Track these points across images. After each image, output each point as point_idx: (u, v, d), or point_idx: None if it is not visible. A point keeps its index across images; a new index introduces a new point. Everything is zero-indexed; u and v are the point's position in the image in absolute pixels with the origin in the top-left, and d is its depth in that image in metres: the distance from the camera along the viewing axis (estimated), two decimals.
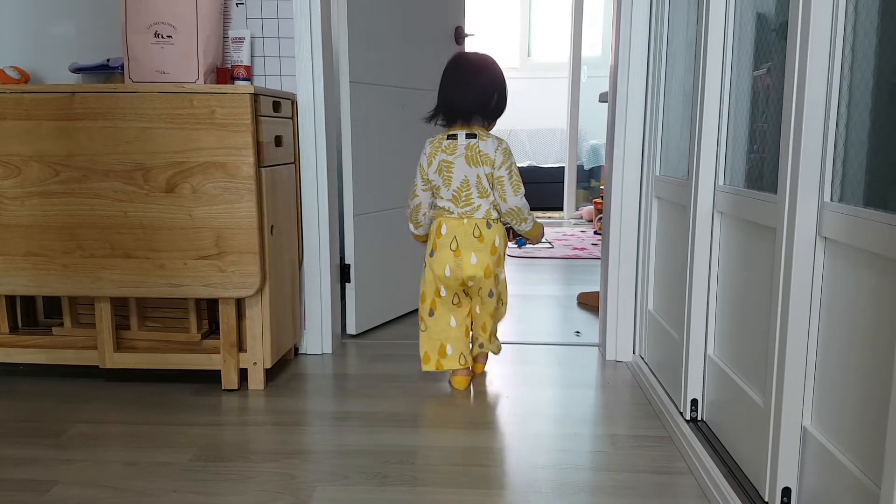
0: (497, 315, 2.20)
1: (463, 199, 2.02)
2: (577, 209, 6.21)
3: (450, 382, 2.18)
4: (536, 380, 2.23)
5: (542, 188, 6.63)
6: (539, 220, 2.24)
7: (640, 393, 2.10)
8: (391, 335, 2.70)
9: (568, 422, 1.90)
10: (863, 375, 1.10)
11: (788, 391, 1.28)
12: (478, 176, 2.01)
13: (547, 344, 2.60)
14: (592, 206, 5.82)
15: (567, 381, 2.21)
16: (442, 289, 2.08)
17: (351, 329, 2.64)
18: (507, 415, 1.96)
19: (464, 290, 2.10)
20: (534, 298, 3.35)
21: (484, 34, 7.04)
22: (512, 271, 4.00)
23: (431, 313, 2.12)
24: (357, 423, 1.88)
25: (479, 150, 2.00)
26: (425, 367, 2.14)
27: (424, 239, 2.17)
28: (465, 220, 2.03)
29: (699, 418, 1.80)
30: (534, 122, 7.27)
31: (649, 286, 2.27)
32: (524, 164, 6.91)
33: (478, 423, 1.90)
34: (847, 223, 1.14)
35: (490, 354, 2.32)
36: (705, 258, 1.73)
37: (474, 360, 2.24)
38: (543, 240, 4.83)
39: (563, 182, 6.23)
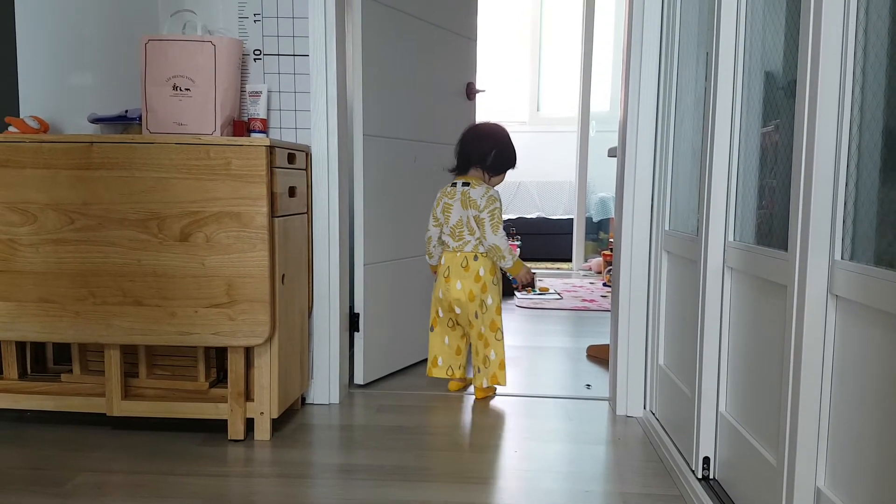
0: (491, 343, 2.52)
1: (457, 235, 2.52)
2: (585, 261, 6.21)
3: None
4: (546, 434, 2.21)
5: (551, 239, 6.65)
6: (524, 263, 2.63)
7: (652, 450, 2.08)
8: (399, 385, 2.69)
9: (578, 479, 1.88)
10: (877, 435, 1.09)
11: (802, 451, 1.27)
12: (468, 217, 2.51)
13: (557, 397, 2.58)
14: (601, 258, 5.82)
15: (577, 437, 2.19)
16: (440, 310, 2.58)
17: (359, 379, 2.63)
18: (517, 470, 1.93)
19: (456, 316, 2.55)
20: (543, 350, 3.33)
21: (494, 89, 7.16)
22: (521, 322, 3.99)
23: (432, 329, 2.62)
24: (363, 477, 1.86)
25: (470, 196, 2.50)
26: (427, 372, 2.64)
27: (436, 269, 2.63)
28: (458, 253, 2.52)
29: (711, 477, 1.77)
30: (543, 175, 7.33)
31: (660, 340, 2.26)
32: (533, 216, 6.94)
33: (487, 478, 1.88)
34: (858, 281, 1.14)
35: (496, 386, 2.59)
36: (716, 314, 1.73)
37: (474, 385, 2.57)
38: (550, 291, 4.82)
39: (571, 234, 6.24)
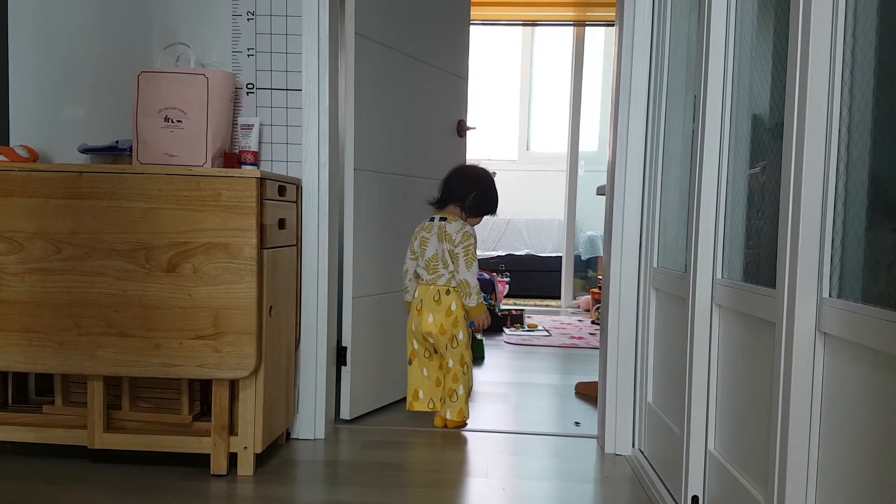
0: (461, 379, 2.56)
1: (432, 268, 2.57)
2: (574, 298, 6.22)
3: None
4: (534, 472, 2.18)
5: (540, 276, 6.66)
6: (485, 304, 2.67)
7: (640, 489, 2.05)
8: (386, 421, 2.66)
9: None
10: (866, 474, 1.08)
11: (791, 489, 1.26)
12: (443, 251, 2.56)
13: (545, 434, 2.56)
14: (590, 296, 5.83)
15: (565, 475, 2.16)
16: (415, 342, 2.61)
17: (345, 414, 2.60)
18: None
19: (432, 347, 2.58)
20: (531, 387, 3.31)
21: (485, 127, 7.23)
22: (509, 358, 3.97)
23: (410, 362, 2.64)
24: None
25: (446, 230, 2.57)
26: (407, 406, 2.64)
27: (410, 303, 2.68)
28: (431, 286, 2.57)
29: None
30: (532, 212, 7.38)
31: (648, 378, 2.25)
32: (522, 253, 6.96)
33: None
34: (846, 319, 1.14)
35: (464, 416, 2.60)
36: (704, 351, 1.73)
37: (442, 414, 2.60)
38: (539, 328, 4.82)
39: (560, 271, 6.26)
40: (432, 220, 2.61)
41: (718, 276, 1.71)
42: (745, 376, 1.55)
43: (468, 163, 2.77)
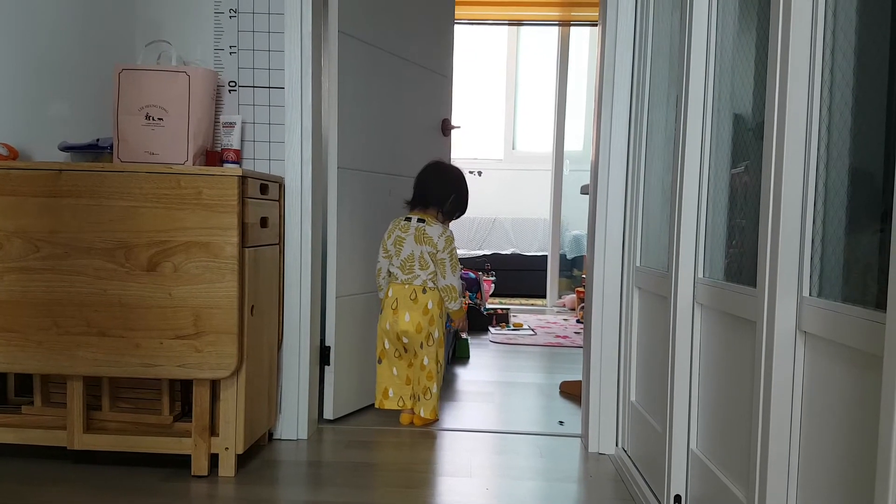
0: (434, 377, 2.56)
1: (407, 268, 2.56)
2: (559, 297, 6.23)
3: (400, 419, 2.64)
4: (518, 472, 2.18)
5: (525, 275, 6.67)
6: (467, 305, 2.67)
7: (623, 487, 2.06)
8: (369, 421, 2.65)
9: None
10: (846, 472, 1.09)
11: (772, 488, 1.26)
12: (421, 252, 2.55)
13: (529, 434, 2.55)
14: (575, 295, 5.84)
15: (549, 474, 2.16)
16: (386, 341, 2.60)
17: (328, 413, 2.59)
18: None
19: (403, 346, 2.57)
20: (516, 386, 3.31)
21: (471, 126, 7.23)
22: (494, 357, 3.97)
23: (380, 361, 2.63)
24: None
25: (425, 233, 2.56)
26: (376, 404, 2.63)
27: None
28: (407, 286, 2.55)
29: None
30: (517, 212, 7.39)
31: (632, 377, 2.25)
32: (508, 252, 6.97)
33: None
34: (826, 318, 1.14)
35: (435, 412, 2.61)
36: (686, 350, 1.73)
37: (415, 411, 2.60)
38: (524, 327, 4.82)
39: (546, 270, 6.27)
40: (408, 219, 2.60)
41: (700, 275, 1.71)
42: (726, 375, 1.55)
43: (440, 160, 2.75)
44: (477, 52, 7.39)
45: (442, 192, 2.61)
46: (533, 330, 4.86)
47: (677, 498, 1.75)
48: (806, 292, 1.23)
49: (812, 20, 1.20)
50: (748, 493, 1.34)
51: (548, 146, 6.40)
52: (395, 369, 2.62)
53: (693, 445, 1.73)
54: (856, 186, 1.15)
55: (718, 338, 1.61)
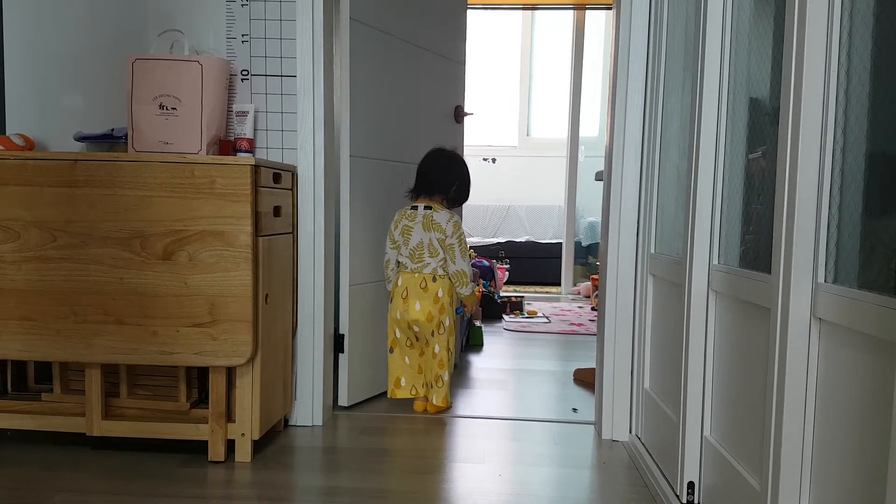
0: (446, 365, 2.56)
1: (417, 257, 2.55)
2: (574, 285, 6.21)
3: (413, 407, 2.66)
4: (532, 458, 2.19)
5: (540, 263, 6.65)
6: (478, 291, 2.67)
7: (637, 474, 2.06)
8: (383, 408, 2.66)
9: None
10: (861, 460, 1.08)
11: (785, 475, 1.26)
12: (430, 240, 2.55)
13: (543, 421, 2.56)
14: (590, 283, 5.83)
15: (562, 461, 2.17)
16: (397, 330, 2.60)
17: (343, 400, 2.60)
18: (500, 494, 1.91)
19: (415, 335, 2.57)
20: (530, 373, 3.31)
21: (485, 113, 7.20)
22: (508, 345, 3.97)
23: (391, 350, 2.63)
24: (344, 500, 1.83)
25: (433, 220, 2.56)
26: (388, 394, 2.64)
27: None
28: (416, 274, 2.55)
29: (696, 502, 1.75)
30: (532, 199, 7.36)
31: (645, 364, 2.25)
32: (522, 239, 6.95)
33: (469, 502, 1.85)
34: (841, 304, 1.13)
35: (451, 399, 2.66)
36: (701, 337, 1.72)
37: (428, 398, 2.61)
38: (538, 315, 4.82)
39: (560, 258, 6.25)
40: (414, 208, 2.59)
41: (715, 261, 1.70)
42: (740, 362, 1.55)
43: (441, 147, 2.70)
44: (491, 37, 7.35)
45: (446, 179, 2.62)
46: (547, 317, 4.86)
47: (690, 485, 1.75)
48: (821, 279, 1.22)
49: (829, 2, 1.18)
50: (762, 481, 1.34)
51: (563, 132, 6.37)
52: (406, 358, 2.62)
53: (707, 433, 1.73)
54: (872, 171, 1.14)
55: (733, 325, 1.60)
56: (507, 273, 5.43)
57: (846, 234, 1.19)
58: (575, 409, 2.69)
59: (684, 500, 1.76)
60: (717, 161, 1.70)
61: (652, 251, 2.20)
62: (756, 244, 1.53)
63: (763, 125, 1.53)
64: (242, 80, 2.36)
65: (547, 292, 6.31)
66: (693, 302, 1.73)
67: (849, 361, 1.13)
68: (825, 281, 1.21)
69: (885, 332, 1.01)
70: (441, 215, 2.56)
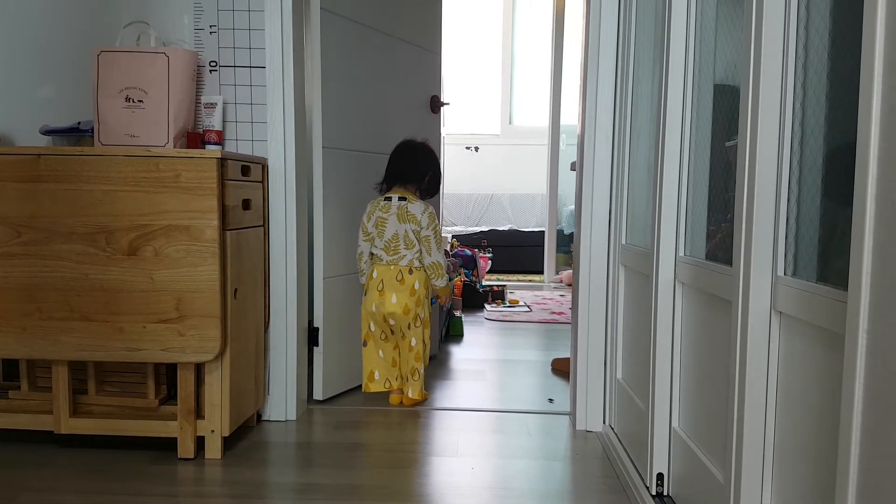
0: (422, 357, 2.57)
1: (392, 249, 2.52)
2: (556, 273, 6.22)
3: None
4: (507, 451, 2.19)
5: (523, 251, 6.66)
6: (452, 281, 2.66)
7: (609, 465, 2.06)
8: (359, 401, 2.65)
9: (534, 496, 1.85)
10: (820, 452, 1.08)
11: (747, 468, 1.26)
12: (405, 231, 2.51)
13: (519, 412, 2.56)
14: (572, 271, 5.83)
15: (536, 453, 2.17)
16: (371, 324, 2.56)
17: (318, 394, 2.59)
18: (473, 487, 1.91)
19: (389, 328, 2.54)
20: (510, 363, 3.31)
21: (467, 101, 7.17)
22: (488, 335, 3.97)
23: (365, 344, 2.59)
24: (317, 497, 1.83)
25: (408, 211, 2.51)
26: (363, 388, 2.62)
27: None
28: (392, 267, 2.51)
29: (665, 493, 1.75)
30: (515, 187, 7.35)
31: (618, 355, 2.25)
32: (505, 228, 6.94)
33: (443, 494, 1.85)
34: (800, 298, 1.13)
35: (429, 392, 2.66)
36: (668, 328, 1.72)
37: (404, 392, 2.61)
38: (520, 304, 4.82)
39: (543, 246, 6.25)
40: (388, 199, 2.55)
41: (681, 253, 1.70)
42: (706, 355, 1.54)
43: (411, 139, 2.66)
44: (472, 25, 7.31)
45: (419, 170, 2.58)
46: (528, 307, 4.86)
47: (660, 476, 1.76)
48: (781, 272, 1.21)
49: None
50: (725, 473, 1.34)
51: (545, 120, 6.35)
52: (381, 352, 2.60)
53: (675, 424, 1.73)
54: (830, 165, 1.13)
55: (699, 317, 1.59)
56: (489, 262, 5.42)
57: (804, 226, 1.18)
58: (551, 400, 2.69)
59: (653, 492, 1.76)
60: (682, 152, 1.69)
61: (623, 242, 2.20)
62: (721, 235, 1.52)
63: (729, 116, 1.52)
64: (211, 71, 2.32)
65: (530, 280, 6.32)
66: (660, 293, 1.72)
67: (807, 355, 1.13)
68: (784, 274, 1.21)
69: (840, 326, 1.00)
70: (416, 206, 2.53)
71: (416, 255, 2.53)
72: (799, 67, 1.18)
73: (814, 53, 1.15)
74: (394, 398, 2.63)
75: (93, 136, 2.19)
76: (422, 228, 2.52)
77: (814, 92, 1.15)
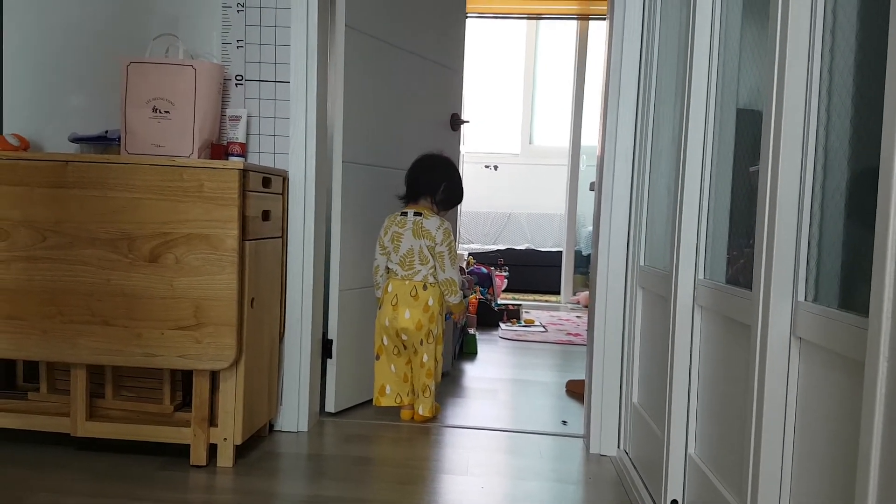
0: (434, 374, 2.54)
1: (407, 264, 2.51)
2: (574, 294, 6.19)
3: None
4: (518, 471, 2.17)
5: (540, 272, 6.64)
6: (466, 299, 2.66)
7: (623, 491, 2.04)
8: (370, 415, 2.65)
9: None
10: (838, 482, 1.07)
11: (763, 496, 1.24)
12: (420, 247, 2.51)
13: (532, 433, 2.54)
14: (589, 292, 5.80)
15: (548, 475, 2.15)
16: (385, 338, 2.55)
17: (330, 406, 2.59)
18: None
19: (402, 343, 2.54)
20: (525, 384, 3.29)
21: (487, 121, 7.20)
22: (503, 354, 3.96)
23: (378, 357, 2.58)
24: None
25: (423, 227, 2.52)
26: (374, 402, 2.61)
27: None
28: (407, 282, 2.51)
29: None
30: (533, 207, 7.35)
31: (634, 379, 2.23)
32: (522, 247, 6.93)
33: None
34: (820, 324, 1.12)
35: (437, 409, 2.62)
36: (686, 353, 1.71)
37: (415, 408, 2.59)
38: (535, 324, 4.80)
39: (560, 266, 6.24)
40: (404, 214, 2.55)
41: (700, 276, 1.69)
42: (724, 380, 1.53)
43: (430, 152, 2.67)
44: (495, 46, 7.35)
45: (431, 181, 2.57)
46: (544, 327, 4.84)
47: (674, 503, 1.73)
48: (801, 297, 1.20)
49: (811, 18, 1.17)
50: (740, 501, 1.32)
51: (565, 141, 6.35)
52: (393, 366, 2.58)
53: (691, 450, 1.71)
54: (853, 190, 1.13)
55: (717, 341, 1.58)
56: (505, 281, 5.41)
57: (826, 251, 1.17)
58: (565, 422, 2.67)
59: None
60: (703, 174, 1.68)
61: (641, 263, 2.19)
62: (741, 260, 1.52)
63: (752, 140, 1.52)
64: (237, 84, 2.36)
65: (546, 301, 6.29)
66: (678, 316, 1.71)
67: (828, 382, 1.11)
68: (805, 299, 1.20)
69: (862, 353, 0.99)
70: (431, 222, 2.52)
71: (431, 271, 2.52)
72: (823, 91, 1.17)
73: (838, 77, 1.15)
74: (405, 413, 2.61)
75: (119, 145, 2.23)
76: (436, 244, 2.51)
77: (837, 115, 1.15)
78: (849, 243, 1.14)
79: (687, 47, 1.76)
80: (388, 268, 2.57)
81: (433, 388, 2.56)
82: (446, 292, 2.56)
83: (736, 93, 1.62)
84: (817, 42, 1.18)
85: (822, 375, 1.13)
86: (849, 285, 1.13)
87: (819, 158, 1.19)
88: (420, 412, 2.56)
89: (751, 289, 1.35)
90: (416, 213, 2.54)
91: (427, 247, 2.51)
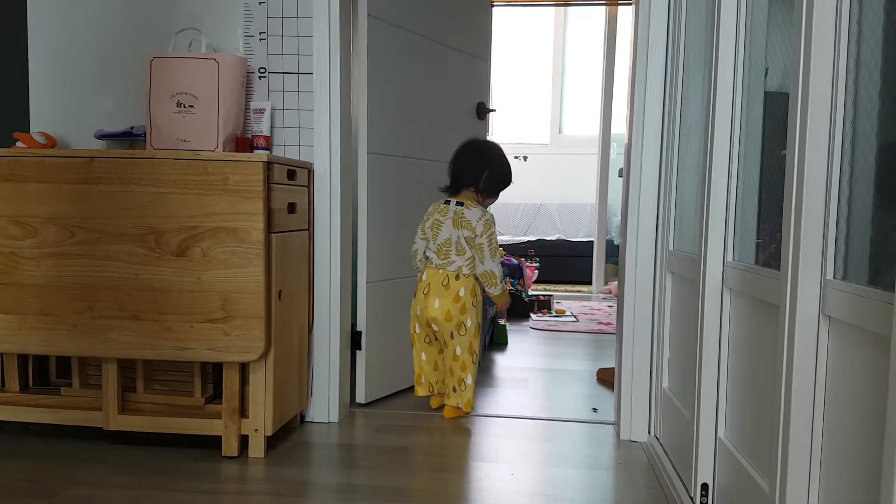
0: (469, 368, 2.47)
1: (444, 253, 2.47)
2: (605, 283, 6.14)
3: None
4: (548, 458, 2.16)
5: (571, 262, 6.59)
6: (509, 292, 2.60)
7: (654, 476, 2.02)
8: (401, 405, 2.65)
9: None
10: (868, 461, 1.04)
11: (793, 478, 1.21)
12: (458, 237, 2.46)
13: (563, 420, 2.52)
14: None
15: (579, 461, 2.13)
16: (417, 326, 2.53)
17: (360, 397, 2.60)
18: (513, 494, 1.89)
19: (433, 333, 2.51)
20: (556, 373, 3.27)
21: (516, 110, 7.16)
22: (534, 344, 3.94)
23: (412, 345, 2.57)
24: (358, 498, 1.83)
25: (463, 216, 2.46)
26: (415, 392, 2.60)
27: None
28: (440, 271, 2.47)
29: None
30: (564, 197, 7.29)
31: (664, 364, 2.20)
32: (553, 238, 6.89)
33: (482, 501, 1.83)
34: (850, 302, 1.09)
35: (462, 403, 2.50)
36: (715, 336, 1.68)
37: (446, 403, 2.53)
38: (567, 314, 4.76)
39: (591, 256, 6.18)
40: (447, 202, 2.50)
41: (729, 258, 1.66)
42: (753, 362, 1.50)
43: (472, 139, 2.62)
44: (523, 34, 7.30)
45: (473, 169, 2.49)
46: (575, 316, 4.81)
47: (704, 487, 1.71)
48: (830, 275, 1.17)
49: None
50: (770, 483, 1.30)
51: (595, 130, 6.29)
52: (423, 354, 2.55)
53: (721, 434, 1.68)
54: (882, 165, 1.09)
55: (746, 323, 1.55)
56: (536, 271, 5.39)
57: (855, 229, 1.14)
58: (595, 409, 2.65)
59: (698, 502, 1.71)
60: (731, 155, 1.65)
61: (671, 248, 2.16)
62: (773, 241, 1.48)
63: (782, 123, 1.48)
64: (260, 77, 2.37)
65: (578, 291, 6.25)
66: (707, 300, 1.68)
67: (858, 360, 1.08)
68: (834, 277, 1.16)
69: (890, 329, 0.96)
70: (472, 213, 2.45)
71: (467, 262, 2.45)
72: (851, 64, 1.14)
73: (866, 49, 1.11)
74: (434, 401, 2.60)
75: (145, 141, 2.26)
76: (476, 236, 2.44)
77: (866, 89, 1.11)
78: (878, 219, 1.10)
79: (711, 28, 1.72)
80: (426, 255, 2.53)
81: (469, 381, 2.47)
82: (487, 285, 2.48)
83: (764, 75, 1.58)
84: (844, 16, 1.14)
85: (852, 353, 1.10)
86: (878, 262, 1.10)
87: (847, 134, 1.16)
88: (459, 405, 2.48)
89: (779, 269, 1.32)
90: (458, 203, 2.48)
91: (465, 238, 2.45)
